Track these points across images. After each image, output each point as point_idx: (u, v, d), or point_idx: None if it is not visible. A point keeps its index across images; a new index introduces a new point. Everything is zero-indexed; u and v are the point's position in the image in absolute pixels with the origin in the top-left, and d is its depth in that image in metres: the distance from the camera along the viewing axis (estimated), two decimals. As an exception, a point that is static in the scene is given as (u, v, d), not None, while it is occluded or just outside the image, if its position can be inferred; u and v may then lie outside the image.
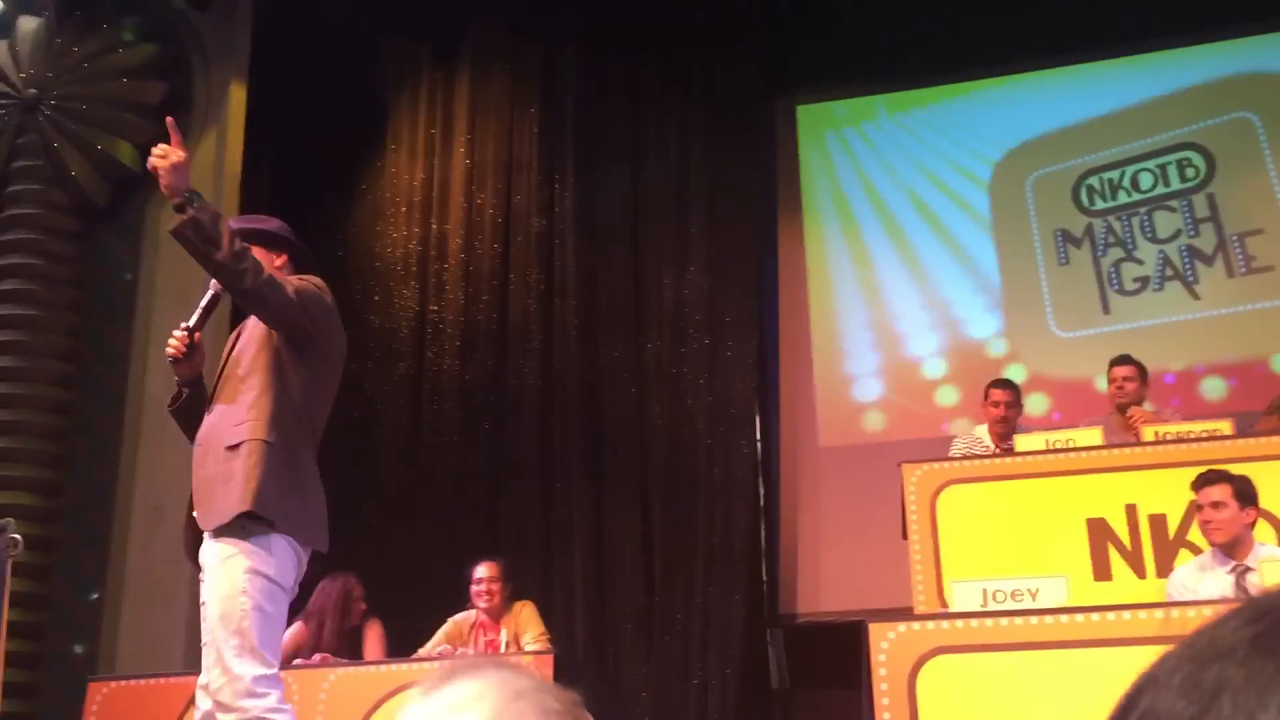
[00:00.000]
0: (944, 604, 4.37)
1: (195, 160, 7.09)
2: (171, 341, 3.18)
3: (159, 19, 7.17)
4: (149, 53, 7.09)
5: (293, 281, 3.15)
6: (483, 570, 5.15)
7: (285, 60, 7.49)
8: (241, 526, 2.94)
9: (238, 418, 3.06)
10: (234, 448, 3.01)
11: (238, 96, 7.19)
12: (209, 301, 3.19)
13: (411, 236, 7.66)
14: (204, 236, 2.90)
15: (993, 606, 3.84)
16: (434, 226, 7.64)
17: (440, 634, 5.14)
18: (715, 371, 6.95)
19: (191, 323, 3.18)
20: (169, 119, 3.21)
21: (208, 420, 3.15)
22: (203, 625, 2.97)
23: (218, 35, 7.20)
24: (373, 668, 4.63)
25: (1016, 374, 6.57)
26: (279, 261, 3.32)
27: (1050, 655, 3.51)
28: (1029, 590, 3.89)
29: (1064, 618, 3.56)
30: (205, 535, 3.01)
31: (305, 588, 5.34)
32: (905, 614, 4.17)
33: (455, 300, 7.46)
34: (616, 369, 7.09)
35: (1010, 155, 7.43)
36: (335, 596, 5.21)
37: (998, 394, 5.67)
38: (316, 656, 4.96)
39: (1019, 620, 3.61)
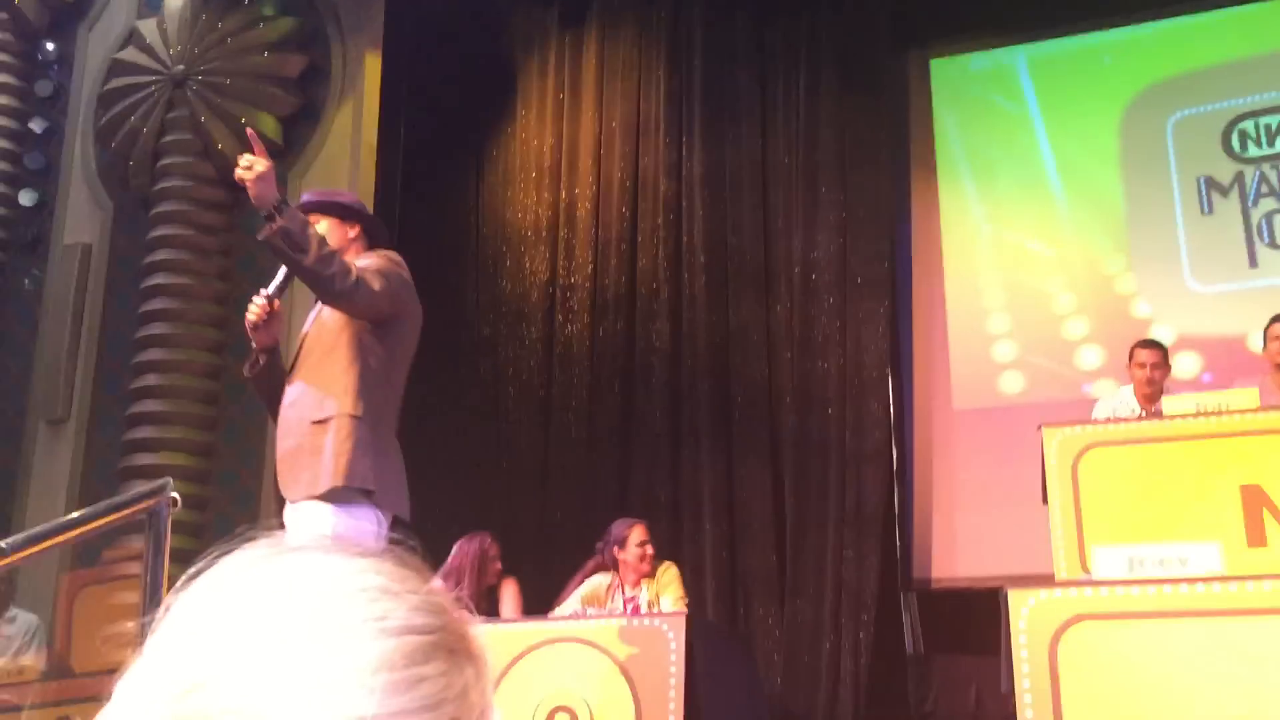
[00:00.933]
0: (1086, 571, 4.25)
1: (333, 129, 7.30)
2: (252, 308, 3.24)
3: (298, -7, 7.36)
4: (288, 26, 7.29)
5: (373, 265, 3.21)
6: (640, 533, 5.22)
7: (417, 30, 7.61)
8: (330, 496, 3.04)
9: (323, 394, 3.15)
10: (321, 423, 3.11)
11: (372, 66, 7.35)
12: (288, 271, 3.25)
13: (541, 202, 7.73)
14: (293, 244, 2.99)
15: (1138, 574, 3.72)
16: (564, 191, 7.70)
17: (576, 595, 5.22)
18: (847, 333, 6.85)
19: (270, 290, 3.24)
20: (249, 129, 3.31)
21: (290, 394, 3.23)
22: None
23: (353, 7, 7.35)
24: (510, 626, 4.73)
25: (1161, 333, 6.31)
26: (352, 233, 3.40)
27: (1201, 624, 3.38)
28: (1178, 557, 3.75)
29: (1217, 586, 3.42)
30: (288, 502, 3.12)
31: (444, 547, 5.51)
32: (1045, 580, 4.07)
33: (585, 264, 7.51)
34: (746, 332, 7.06)
35: (1150, 97, 7.08)
36: (472, 556, 5.34)
37: (1144, 354, 5.46)
38: (455, 614, 5.08)
39: (1168, 588, 3.48)
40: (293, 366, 3.29)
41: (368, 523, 3.10)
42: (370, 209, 7.21)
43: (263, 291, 3.24)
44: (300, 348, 3.30)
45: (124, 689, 0.60)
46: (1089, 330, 6.83)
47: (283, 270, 3.22)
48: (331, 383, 3.15)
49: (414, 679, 0.58)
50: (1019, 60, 7.46)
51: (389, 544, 0.67)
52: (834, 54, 7.31)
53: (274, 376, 3.33)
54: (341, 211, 3.42)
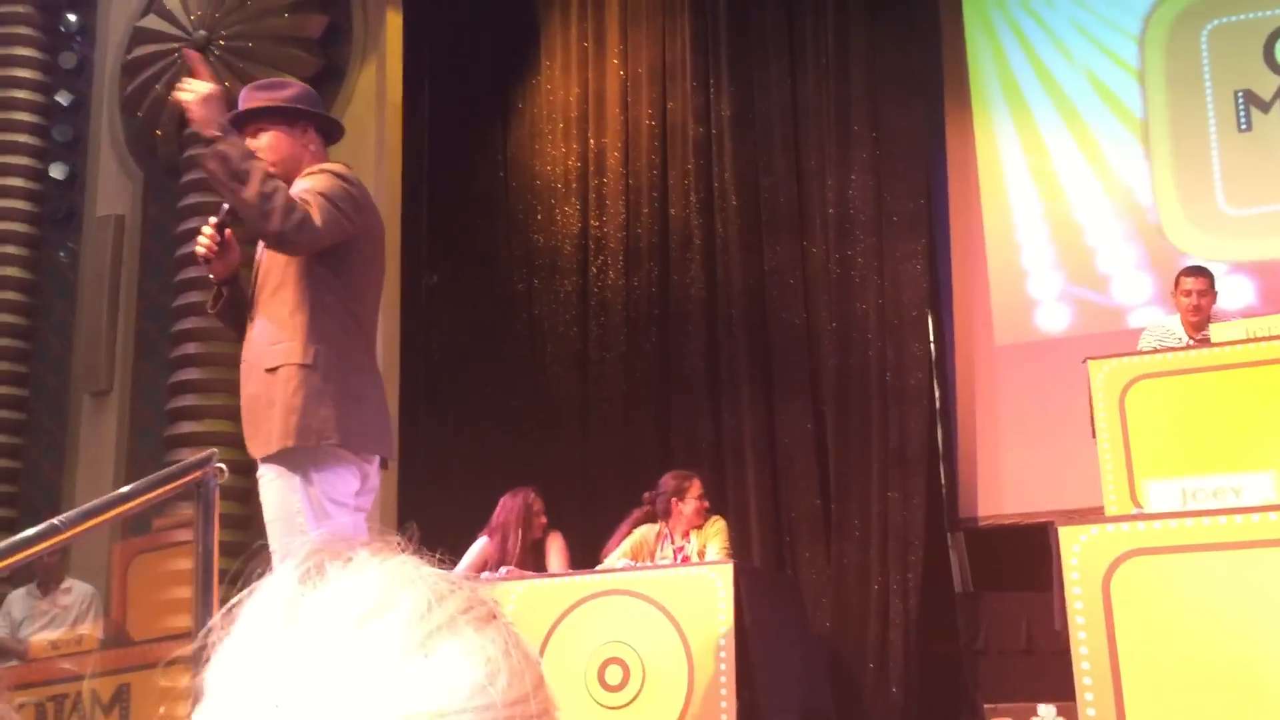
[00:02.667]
0: (1137, 505, 4.20)
1: (357, 89, 7.25)
2: (201, 239, 3.00)
3: (315, -48, 7.29)
4: (307, -14, 7.22)
5: (314, 186, 2.93)
6: (698, 487, 5.25)
7: (437, -16, 7.53)
8: (288, 453, 2.90)
9: (275, 336, 2.95)
10: (273, 370, 2.93)
11: (394, 24, 7.28)
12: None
13: (570, 153, 7.67)
14: (231, 172, 2.77)
15: (1191, 506, 3.67)
16: (591, 141, 7.63)
17: (626, 544, 5.24)
18: (884, 272, 6.78)
19: (218, 218, 3.01)
20: (189, 52, 3.11)
21: (249, 335, 3.04)
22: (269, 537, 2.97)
23: (371, -36, 7.28)
24: (558, 580, 4.75)
25: (1205, 259, 6.17)
26: (305, 139, 3.12)
27: (1258, 555, 3.33)
28: (1231, 488, 3.70)
29: (1273, 515, 3.37)
30: (254, 457, 2.99)
31: (488, 503, 5.53)
32: (1093, 515, 4.02)
33: (616, 214, 7.46)
34: (782, 275, 7.00)
35: (1184, 6, 6.87)
36: (516, 511, 5.36)
37: (1189, 281, 5.36)
38: (503, 569, 5.12)
39: (1222, 519, 3.43)
40: (251, 303, 3.07)
41: (342, 480, 2.94)
42: (398, 168, 7.23)
43: (211, 220, 3.00)
44: (255, 278, 3.07)
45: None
46: (1131, 260, 6.71)
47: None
48: (280, 326, 2.94)
49: (525, 657, 0.59)
50: (1052, -17, 7.27)
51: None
52: (862, -14, 7.16)
53: (237, 310, 3.12)
54: (290, 117, 3.10)
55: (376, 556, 0.60)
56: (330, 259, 2.97)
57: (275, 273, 2.98)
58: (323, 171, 3.03)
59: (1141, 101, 6.88)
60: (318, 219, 2.86)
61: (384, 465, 3.13)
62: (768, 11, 7.31)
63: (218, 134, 2.77)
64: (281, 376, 2.91)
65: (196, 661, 0.59)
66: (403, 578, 0.59)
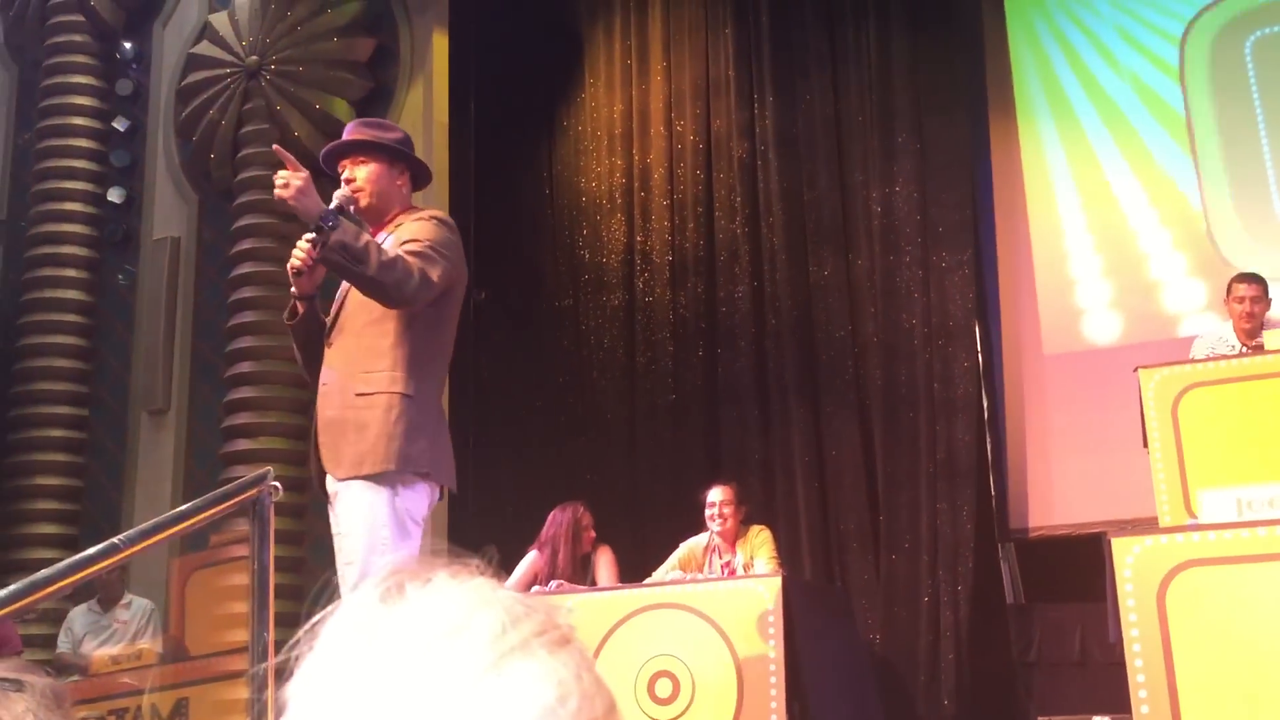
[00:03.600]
0: (1191, 515, 4.15)
1: (405, 110, 7.36)
2: (298, 253, 3.05)
3: (362, -24, 7.42)
4: (355, 10, 7.35)
5: (425, 236, 3.06)
6: (716, 494, 5.24)
7: (481, 5, 7.63)
8: (382, 477, 2.99)
9: (371, 364, 3.04)
10: (367, 395, 3.01)
11: (440, 45, 7.38)
12: (335, 213, 3.06)
13: (615, 169, 7.72)
14: (351, 256, 2.88)
15: (1247, 516, 3.62)
16: (636, 157, 7.68)
17: (673, 558, 5.26)
18: (930, 284, 6.75)
19: (315, 236, 3.03)
20: (275, 146, 3.22)
21: (333, 357, 3.12)
22: (340, 547, 3.04)
23: (417, -13, 7.39)
24: (607, 593, 4.78)
25: (1257, 265, 6.09)
26: (400, 181, 3.26)
27: (1315, 566, 3.29)
28: (1288, 498, 3.64)
29: (1329, 526, 3.32)
30: (334, 478, 3.06)
31: (537, 518, 5.58)
32: (1146, 526, 3.98)
33: (662, 229, 7.50)
34: (828, 288, 6.99)
35: (1226, 18, 6.79)
36: (566, 526, 5.39)
37: (1242, 288, 5.30)
38: (553, 584, 5.16)
39: (1279, 529, 3.39)
40: (333, 326, 3.16)
41: (421, 501, 3.06)
42: (445, 187, 7.32)
43: (306, 236, 3.06)
44: (341, 307, 3.16)
45: None
46: (1181, 267, 6.63)
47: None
48: (379, 355, 3.05)
49: (597, 681, 0.59)
50: (1097, -9, 7.23)
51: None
52: (904, -1, 7.16)
53: (311, 326, 3.22)
54: (391, 154, 3.26)
55: (455, 578, 0.62)
56: (438, 299, 3.12)
57: (375, 305, 3.06)
58: (431, 218, 3.18)
59: (1189, 108, 6.82)
60: (433, 274, 3.01)
61: (443, 495, 3.25)
62: (810, 25, 7.33)
63: (325, 225, 2.90)
64: (380, 403, 3.01)
65: (280, 676, 0.62)
66: (480, 599, 0.60)
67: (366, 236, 2.98)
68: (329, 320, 3.20)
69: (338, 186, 3.23)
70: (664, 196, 7.53)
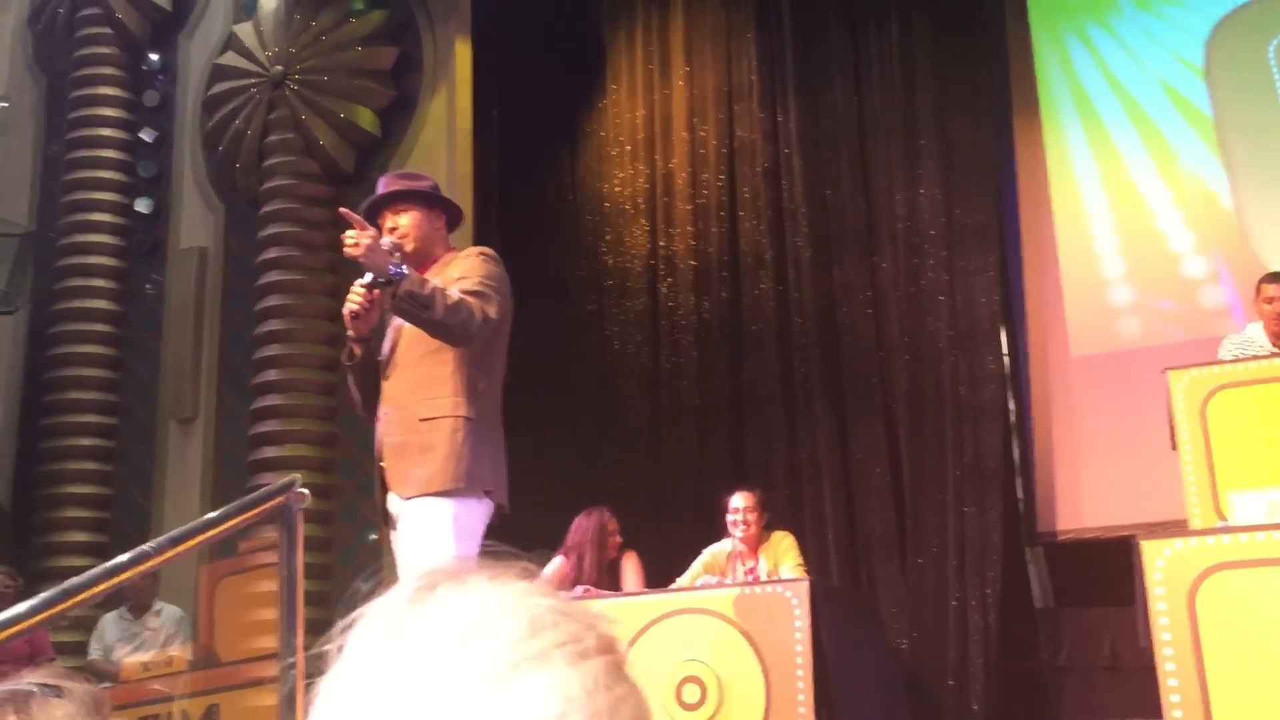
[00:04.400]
0: (1221, 517, 4.12)
1: (428, 118, 7.39)
2: (354, 298, 3.25)
3: (385, -15, 7.46)
4: (379, 20, 7.39)
5: (478, 272, 3.25)
6: (739, 500, 5.22)
7: (504, 13, 7.65)
8: (449, 493, 3.14)
9: (433, 391, 3.22)
10: (430, 420, 3.19)
11: (462, 53, 7.41)
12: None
13: (638, 174, 7.73)
14: (419, 304, 3.07)
15: (1278, 518, 3.59)
16: (659, 162, 7.69)
17: (698, 563, 5.25)
18: (955, 286, 6.72)
19: (368, 279, 3.23)
20: (342, 210, 3.35)
21: (392, 388, 3.30)
22: (404, 563, 3.20)
23: (440, -5, 7.42)
24: (633, 599, 4.77)
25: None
26: (439, 222, 3.47)
27: (1349, 568, 3.25)
28: (1321, 499, 3.61)
29: (1363, 527, 3.29)
30: (399, 497, 3.22)
31: (562, 523, 5.58)
32: (1176, 528, 3.95)
33: (685, 234, 7.50)
34: (852, 291, 6.97)
35: (1247, 20, 6.74)
36: (591, 531, 5.39)
37: (1271, 289, 5.24)
38: (579, 589, 5.16)
39: (1311, 532, 3.35)
40: (389, 360, 3.34)
41: (482, 516, 3.22)
42: (469, 194, 7.35)
43: (361, 281, 3.26)
44: (397, 339, 3.33)
45: None
46: (1209, 268, 6.58)
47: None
48: (439, 383, 3.22)
49: (618, 699, 0.58)
50: (1121, -9, 7.18)
51: (498, 555, 0.67)
52: (927, 1, 7.13)
53: (369, 366, 3.39)
54: (428, 201, 3.47)
55: (491, 581, 0.62)
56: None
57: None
58: (479, 254, 3.39)
59: (1216, 109, 6.76)
60: (490, 311, 3.22)
61: (498, 513, 3.36)
62: (832, 29, 7.32)
63: (394, 277, 3.08)
64: (445, 426, 3.18)
65: (311, 678, 0.63)
66: (507, 604, 0.60)
67: (433, 283, 3.15)
68: (387, 350, 3.36)
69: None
70: (687, 201, 7.54)
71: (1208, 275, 6.56)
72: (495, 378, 3.36)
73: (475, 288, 3.22)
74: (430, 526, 3.14)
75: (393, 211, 3.41)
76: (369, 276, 3.23)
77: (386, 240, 3.31)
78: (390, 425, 3.28)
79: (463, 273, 3.28)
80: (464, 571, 0.63)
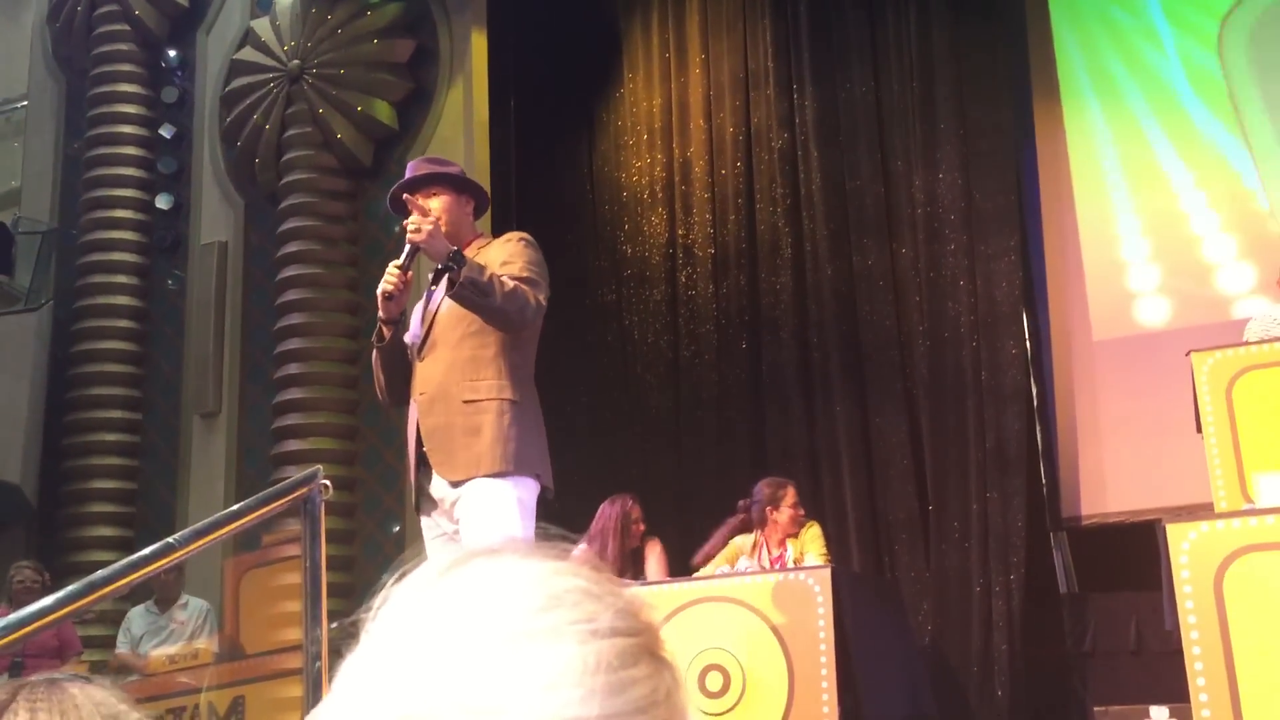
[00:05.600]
0: (1248, 499, 4.08)
1: (445, 110, 7.40)
2: (389, 278, 3.28)
3: (400, -22, 7.46)
4: (395, 12, 7.40)
5: (521, 258, 3.28)
6: (793, 494, 5.24)
7: (519, 3, 7.64)
8: (504, 475, 3.16)
9: (476, 374, 3.23)
10: (475, 402, 3.20)
11: (479, 45, 7.41)
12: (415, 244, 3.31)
13: (655, 163, 7.72)
14: (479, 290, 3.11)
15: (1306, 500, 3.55)
16: (676, 151, 7.67)
17: (720, 558, 5.24)
18: (976, 271, 6.69)
19: (401, 261, 3.28)
20: (405, 195, 3.36)
21: (429, 369, 3.29)
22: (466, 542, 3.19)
23: (455, -13, 7.42)
24: (656, 587, 4.78)
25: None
26: (468, 207, 3.49)
27: (1378, 550, 3.22)
28: (1349, 480, 3.57)
29: (1392, 509, 3.25)
30: (446, 481, 3.21)
31: (585, 512, 5.59)
32: (1201, 511, 3.92)
33: (703, 222, 7.49)
34: (871, 277, 6.95)
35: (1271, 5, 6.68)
36: (615, 519, 5.40)
37: (1296, 270, 5.19)
38: (601, 577, 5.16)
39: (1339, 513, 3.32)
40: (425, 342, 3.34)
41: (532, 496, 3.25)
42: (487, 185, 7.36)
43: (395, 263, 3.30)
44: (433, 322, 3.34)
45: (342, 690, 0.61)
46: (1233, 250, 6.52)
47: (410, 245, 3.27)
48: (483, 365, 3.24)
49: (627, 681, 0.59)
50: (1141, -29, 7.11)
51: (542, 534, 0.68)
52: (944, -17, 7.08)
53: (398, 348, 3.40)
54: (458, 184, 3.49)
55: (523, 558, 0.63)
56: None
57: (473, 318, 3.26)
58: (520, 240, 3.42)
59: (1238, 89, 6.69)
60: (541, 297, 3.28)
61: (544, 495, 3.38)
62: (849, 15, 7.28)
63: (453, 265, 3.12)
64: (491, 409, 3.21)
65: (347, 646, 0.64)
66: (532, 579, 0.61)
67: (489, 270, 3.18)
68: (420, 336, 3.36)
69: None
70: (705, 190, 7.52)
71: (1231, 256, 6.51)
72: (531, 361, 3.39)
73: (524, 274, 3.26)
74: (495, 508, 3.15)
75: (423, 195, 3.42)
76: (402, 258, 3.26)
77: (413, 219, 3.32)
78: (429, 407, 3.26)
79: (506, 258, 3.31)
80: (501, 549, 0.64)
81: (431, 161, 3.63)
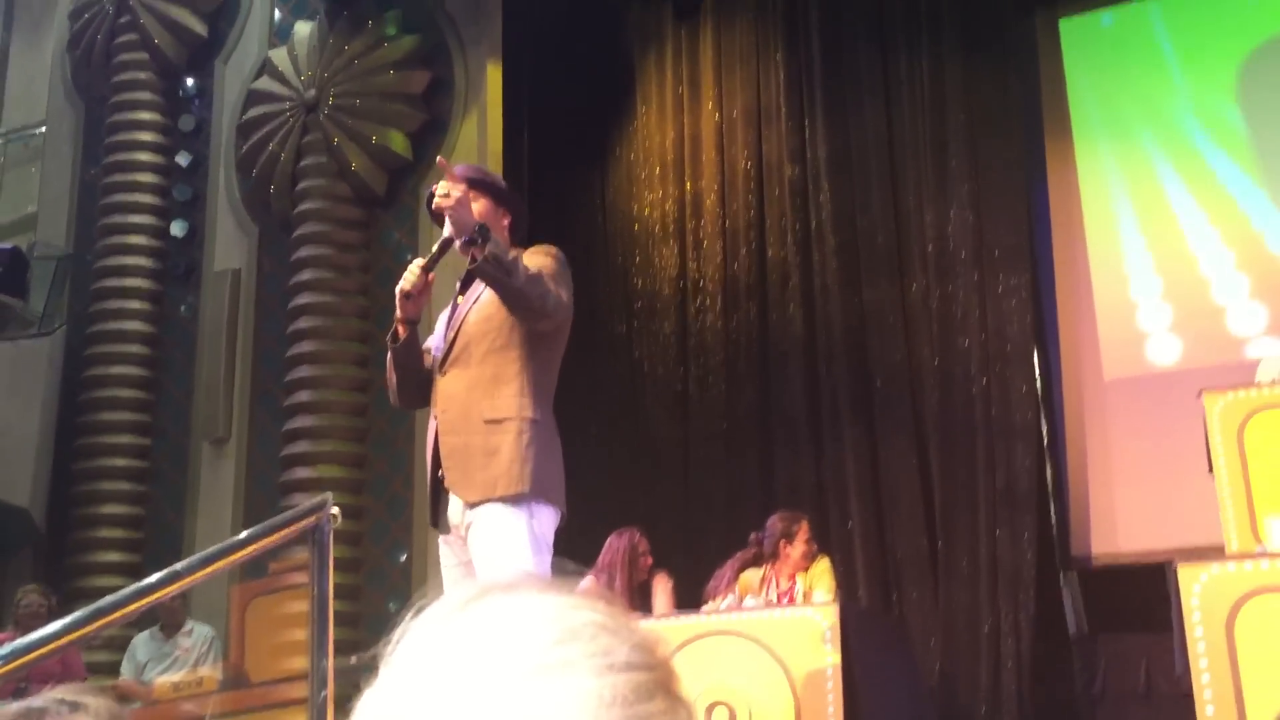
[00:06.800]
0: (1259, 542, 4.06)
1: (459, 141, 7.44)
2: (409, 275, 3.18)
3: (417, 10, 7.53)
4: (411, 44, 7.46)
5: (549, 269, 3.20)
6: (806, 529, 5.22)
7: (534, 37, 7.71)
8: (516, 498, 3.07)
9: (497, 391, 3.13)
10: (496, 422, 3.10)
11: (493, 76, 7.47)
12: (443, 245, 3.22)
13: (667, 196, 7.75)
14: (502, 268, 3.03)
15: (1318, 543, 3.53)
16: (688, 184, 7.70)
17: (728, 589, 5.22)
18: (987, 308, 6.69)
19: (426, 261, 3.19)
20: (440, 160, 3.34)
21: (451, 385, 3.19)
22: (478, 572, 3.10)
23: (471, 20, 7.49)
24: (663, 621, 4.75)
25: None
26: (505, 221, 3.40)
27: (1391, 594, 3.19)
28: (1361, 524, 3.55)
29: (1406, 553, 3.23)
30: (464, 503, 3.12)
31: (592, 544, 5.57)
32: (1213, 553, 3.90)
33: (714, 255, 7.50)
34: (882, 313, 6.95)
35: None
36: (622, 552, 5.38)
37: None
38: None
39: (1352, 557, 3.30)
40: (448, 356, 3.25)
41: (550, 525, 3.16)
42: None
43: (419, 261, 3.22)
44: (456, 337, 3.25)
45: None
46: (1246, 290, 6.51)
47: (438, 245, 3.21)
48: (505, 382, 3.15)
49: (642, 715, 0.59)
50: (1153, 12, 7.16)
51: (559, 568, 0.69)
52: (957, 21, 7.13)
53: (412, 351, 3.31)
54: (498, 194, 3.41)
55: (540, 592, 0.64)
56: (545, 331, 3.26)
57: (498, 333, 3.19)
58: (547, 254, 3.32)
59: (1251, 130, 6.71)
60: (565, 295, 3.21)
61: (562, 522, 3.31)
62: (861, 50, 7.32)
63: (479, 238, 3.05)
64: (511, 428, 3.12)
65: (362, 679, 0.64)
66: (548, 613, 0.62)
67: (514, 252, 3.12)
68: (444, 350, 3.27)
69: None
70: (716, 223, 7.54)
71: (1244, 296, 6.50)
72: (553, 382, 3.30)
73: (548, 272, 3.19)
74: (503, 534, 3.07)
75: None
76: (430, 258, 3.20)
77: (449, 228, 3.25)
78: (449, 425, 3.18)
79: (534, 265, 3.22)
80: (517, 583, 0.65)
81: (478, 169, 3.59)
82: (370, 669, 0.64)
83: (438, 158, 3.37)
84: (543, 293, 3.08)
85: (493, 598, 0.63)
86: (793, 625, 4.41)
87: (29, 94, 9.01)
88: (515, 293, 3.06)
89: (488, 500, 3.07)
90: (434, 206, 3.11)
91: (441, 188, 3.09)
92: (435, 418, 3.24)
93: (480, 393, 3.15)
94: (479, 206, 3.27)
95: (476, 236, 3.02)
